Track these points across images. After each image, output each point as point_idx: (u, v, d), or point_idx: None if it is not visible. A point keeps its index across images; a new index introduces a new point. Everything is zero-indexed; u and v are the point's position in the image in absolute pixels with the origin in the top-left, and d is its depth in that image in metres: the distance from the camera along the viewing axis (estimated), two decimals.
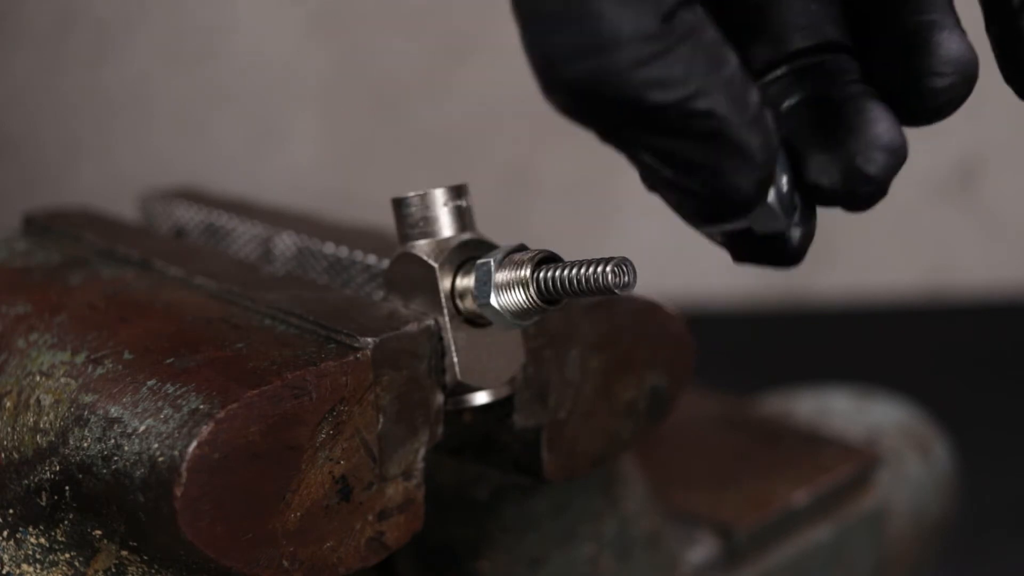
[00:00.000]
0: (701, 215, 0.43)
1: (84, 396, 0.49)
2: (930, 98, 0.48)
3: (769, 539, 0.70)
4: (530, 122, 1.44)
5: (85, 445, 0.48)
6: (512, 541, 0.61)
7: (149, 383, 0.47)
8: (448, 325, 0.50)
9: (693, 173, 0.42)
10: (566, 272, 0.46)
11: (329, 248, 0.57)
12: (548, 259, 0.47)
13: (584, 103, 0.40)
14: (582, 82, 0.39)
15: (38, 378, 0.51)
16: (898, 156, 0.46)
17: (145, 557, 0.48)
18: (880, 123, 0.46)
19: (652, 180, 0.42)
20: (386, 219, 0.53)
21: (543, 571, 0.61)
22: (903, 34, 0.49)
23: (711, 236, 0.47)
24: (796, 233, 0.46)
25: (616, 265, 0.45)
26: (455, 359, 0.50)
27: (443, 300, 0.50)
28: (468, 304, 0.50)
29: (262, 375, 0.46)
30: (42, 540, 0.49)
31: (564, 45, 0.39)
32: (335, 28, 1.42)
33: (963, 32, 0.49)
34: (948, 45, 0.48)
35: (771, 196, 0.45)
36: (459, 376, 0.50)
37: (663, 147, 0.41)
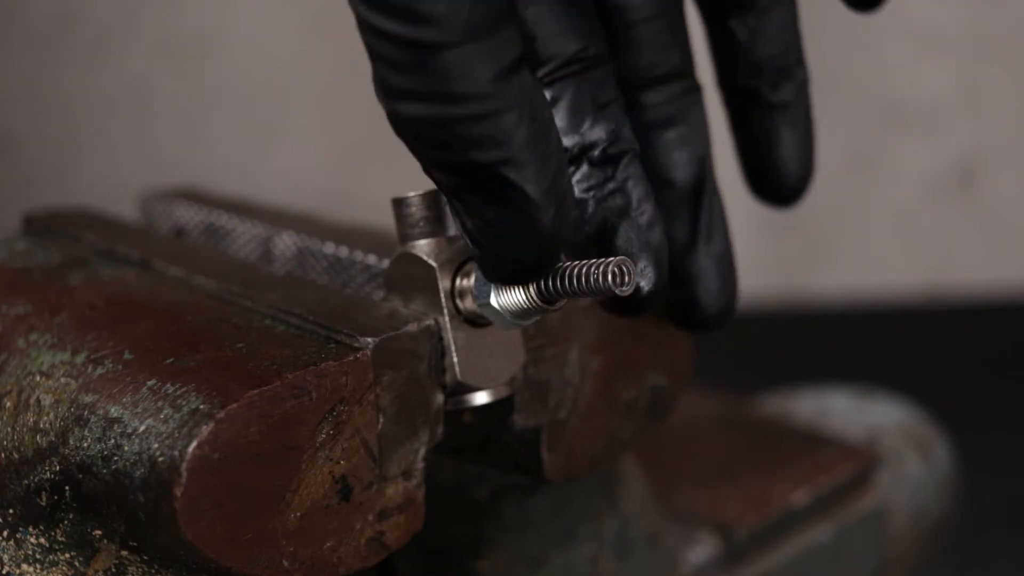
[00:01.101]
0: (484, 268, 0.46)
1: (84, 396, 0.49)
2: (772, 195, 0.55)
3: (769, 539, 0.70)
4: None
5: (85, 445, 0.48)
6: (512, 541, 0.61)
7: (149, 383, 0.47)
8: (448, 325, 0.50)
9: (485, 231, 0.44)
10: (566, 272, 0.46)
11: (329, 248, 0.57)
12: None
13: (413, 140, 0.43)
14: (415, 122, 0.42)
15: (38, 378, 0.51)
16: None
17: (145, 557, 0.48)
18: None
19: (456, 218, 0.45)
20: (386, 219, 0.53)
21: (543, 571, 0.61)
22: (755, 131, 0.53)
23: None
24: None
25: (616, 265, 0.45)
26: (455, 359, 0.50)
27: (443, 300, 0.50)
28: (468, 304, 0.50)
29: (262, 375, 0.46)
30: (42, 540, 0.49)
31: (404, 88, 0.42)
32: (335, 28, 1.42)
33: (805, 138, 0.53)
34: (785, 165, 0.54)
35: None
36: (459, 376, 0.50)
37: (469, 199, 0.43)
